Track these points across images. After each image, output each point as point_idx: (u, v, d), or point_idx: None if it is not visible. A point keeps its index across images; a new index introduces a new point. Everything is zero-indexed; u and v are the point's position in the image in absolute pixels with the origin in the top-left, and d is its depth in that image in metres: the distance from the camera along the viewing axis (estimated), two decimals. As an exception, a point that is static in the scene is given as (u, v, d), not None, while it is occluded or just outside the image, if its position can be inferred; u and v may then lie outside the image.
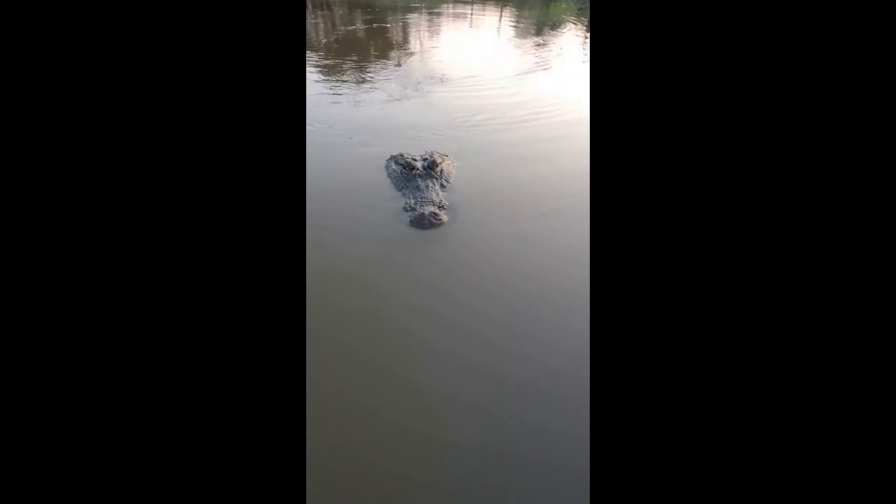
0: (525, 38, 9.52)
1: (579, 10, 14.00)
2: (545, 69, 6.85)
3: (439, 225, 2.87)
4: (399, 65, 6.96)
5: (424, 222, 2.86)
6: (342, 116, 4.76)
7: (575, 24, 11.22)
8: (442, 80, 6.19)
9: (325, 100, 5.30)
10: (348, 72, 6.52)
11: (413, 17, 11.72)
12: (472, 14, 13.30)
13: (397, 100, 5.37)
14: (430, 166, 3.35)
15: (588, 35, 10.01)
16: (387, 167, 3.58)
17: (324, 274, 2.45)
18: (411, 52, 7.81)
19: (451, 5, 14.68)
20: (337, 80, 6.13)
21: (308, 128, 4.32)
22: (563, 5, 14.94)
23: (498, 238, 2.84)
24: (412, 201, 3.05)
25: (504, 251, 2.72)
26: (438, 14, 12.76)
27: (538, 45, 8.60)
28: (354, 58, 7.28)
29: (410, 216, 2.92)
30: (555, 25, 11.24)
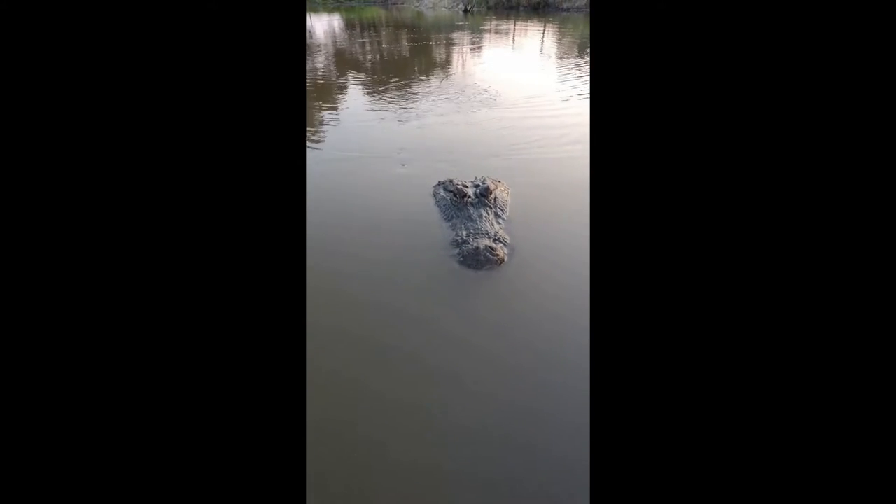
0: (571, 56, 8.98)
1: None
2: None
3: (497, 261, 2.36)
4: (443, 85, 6.59)
5: (480, 257, 2.37)
6: (385, 139, 4.35)
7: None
8: (488, 101, 5.72)
9: (369, 123, 4.93)
10: (392, 93, 6.19)
11: (457, 36, 11.41)
12: (514, 30, 12.90)
13: (443, 121, 4.92)
14: (484, 194, 2.88)
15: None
16: (434, 194, 3.12)
17: (362, 320, 2.04)
18: (456, 72, 7.42)
19: (494, 21, 14.34)
20: (381, 101, 5.81)
21: (351, 153, 3.98)
22: (607, 21, 14.28)
23: (572, 292, 2.27)
24: (464, 233, 2.59)
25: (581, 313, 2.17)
26: (482, 32, 12.40)
27: (586, 63, 8.03)
28: (399, 78, 6.97)
29: (462, 251, 2.44)
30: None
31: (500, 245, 2.49)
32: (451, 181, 3.08)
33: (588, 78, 7.02)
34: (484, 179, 3.09)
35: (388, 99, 5.84)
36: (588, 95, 6.02)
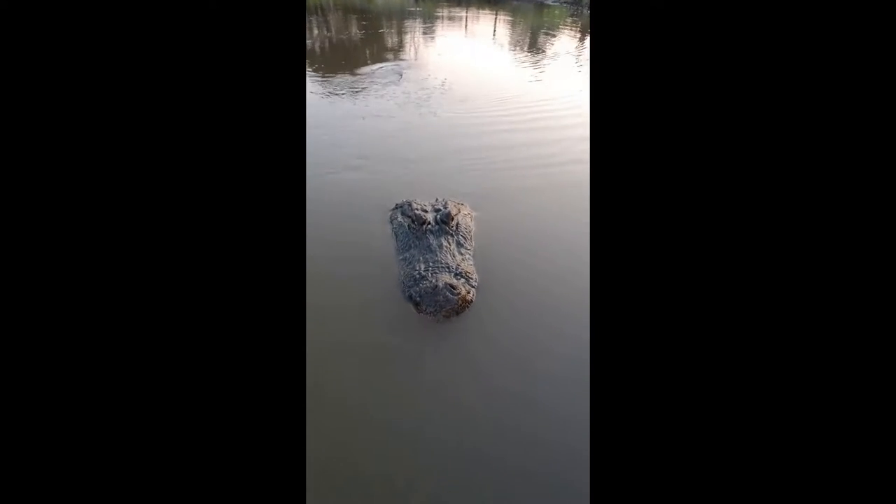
0: (523, 48, 8.66)
1: (570, 16, 13.16)
2: (562, 86, 5.93)
3: (456, 302, 2.00)
4: (399, 76, 6.06)
5: (438, 297, 2.00)
6: (333, 146, 3.83)
7: (572, 32, 10.39)
8: (446, 98, 5.29)
9: (315, 125, 4.40)
10: (344, 87, 5.62)
11: (409, 24, 10.77)
12: (467, 18, 12.39)
13: (397, 125, 4.42)
14: (444, 220, 2.53)
15: (581, 40, 9.23)
16: (391, 219, 2.74)
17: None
18: (411, 64, 6.88)
19: (446, 9, 13.74)
20: (331, 96, 5.26)
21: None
22: (557, 11, 14.10)
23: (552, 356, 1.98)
24: (422, 267, 2.25)
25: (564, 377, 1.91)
26: (435, 19, 11.81)
27: (540, 59, 7.72)
28: (348, 71, 6.38)
29: (420, 290, 2.07)
30: (551, 32, 10.40)
31: (463, 281, 2.17)
32: (409, 204, 2.71)
33: (542, 68, 6.78)
34: (445, 203, 2.74)
35: (340, 94, 5.29)
36: (541, 80, 5.75)
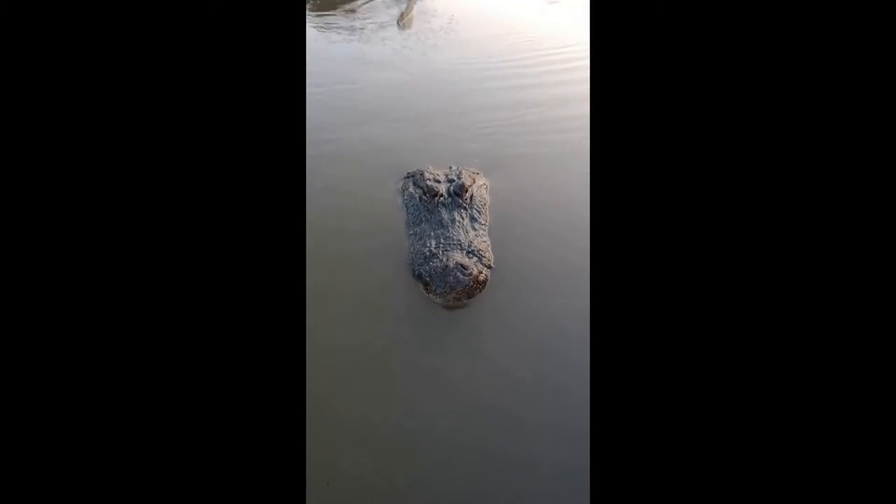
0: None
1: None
2: (584, 31, 5.29)
3: (467, 283, 1.89)
4: (401, 27, 5.20)
5: (449, 278, 1.89)
6: (335, 109, 3.50)
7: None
8: (455, 47, 4.73)
9: (313, 87, 4.02)
10: (341, 31, 5.13)
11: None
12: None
13: (402, 78, 4.01)
14: (458, 192, 2.37)
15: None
16: (402, 190, 2.57)
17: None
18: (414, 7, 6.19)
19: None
20: (329, 43, 4.83)
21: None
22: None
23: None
24: (433, 244, 2.13)
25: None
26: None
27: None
28: (346, 8, 5.79)
29: (429, 269, 1.96)
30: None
31: (475, 260, 2.05)
32: (422, 174, 2.53)
33: (562, 7, 6.11)
34: (459, 172, 2.55)
35: (338, 38, 4.85)
36: (563, 24, 5.23)
